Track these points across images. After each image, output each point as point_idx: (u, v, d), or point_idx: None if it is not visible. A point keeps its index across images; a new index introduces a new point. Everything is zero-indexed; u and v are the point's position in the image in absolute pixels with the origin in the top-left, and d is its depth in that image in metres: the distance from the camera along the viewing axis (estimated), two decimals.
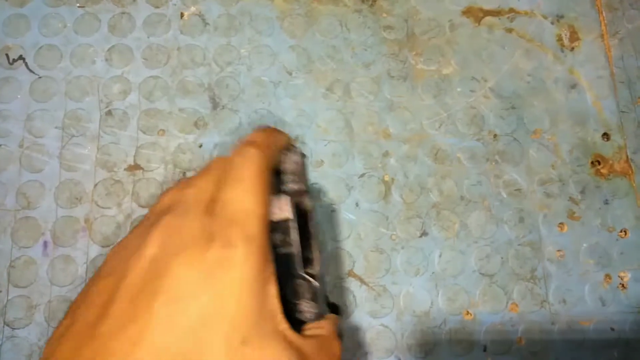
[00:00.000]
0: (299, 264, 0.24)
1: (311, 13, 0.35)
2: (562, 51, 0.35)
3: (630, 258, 0.32)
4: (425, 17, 0.35)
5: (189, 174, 0.32)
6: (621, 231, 0.32)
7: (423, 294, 0.31)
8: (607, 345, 0.31)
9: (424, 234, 0.31)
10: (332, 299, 0.30)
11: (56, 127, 0.32)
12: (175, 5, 0.34)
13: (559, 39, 0.35)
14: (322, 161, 0.32)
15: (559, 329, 0.31)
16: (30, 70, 0.33)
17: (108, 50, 0.33)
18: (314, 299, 0.24)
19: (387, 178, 0.32)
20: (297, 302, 0.24)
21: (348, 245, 0.31)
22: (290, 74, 0.34)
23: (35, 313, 0.29)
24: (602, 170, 0.33)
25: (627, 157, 0.33)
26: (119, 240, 0.30)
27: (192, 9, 0.34)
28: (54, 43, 0.33)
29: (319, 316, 0.24)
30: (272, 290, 0.21)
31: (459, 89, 0.34)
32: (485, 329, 0.30)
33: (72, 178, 0.31)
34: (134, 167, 0.32)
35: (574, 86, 0.34)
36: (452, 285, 0.31)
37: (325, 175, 0.32)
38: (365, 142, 0.33)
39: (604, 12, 0.36)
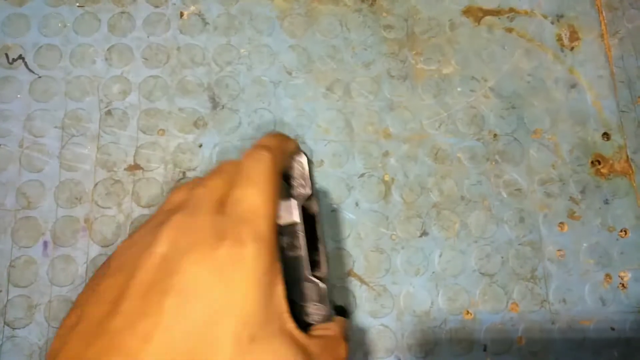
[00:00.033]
0: (306, 267, 0.25)
1: (311, 13, 0.35)
2: (562, 51, 0.35)
3: (630, 258, 0.32)
4: (425, 16, 0.35)
5: (189, 174, 0.32)
6: (621, 231, 0.32)
7: (423, 294, 0.31)
8: (607, 345, 0.31)
9: (424, 233, 0.31)
10: (332, 299, 0.30)
11: (56, 127, 0.32)
12: (174, 4, 0.34)
13: (559, 38, 0.35)
14: (322, 161, 0.32)
15: (559, 329, 0.31)
16: (30, 70, 0.33)
17: (108, 49, 0.33)
18: (322, 301, 0.25)
19: (387, 178, 0.32)
20: (305, 304, 0.25)
21: (348, 245, 0.31)
22: (290, 73, 0.34)
23: (35, 313, 0.29)
24: (602, 170, 0.33)
25: (627, 156, 0.33)
26: (120, 239, 0.30)
27: (192, 8, 0.34)
28: (54, 43, 0.33)
29: (327, 318, 0.25)
30: (279, 289, 0.22)
31: (459, 89, 0.34)
32: (485, 328, 0.30)
33: (72, 178, 0.31)
34: (134, 167, 0.32)
35: (574, 86, 0.34)
36: (453, 285, 0.31)
37: (325, 175, 0.32)
38: (365, 142, 0.33)
39: (603, 12, 0.36)
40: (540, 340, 0.30)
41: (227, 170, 0.24)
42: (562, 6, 0.36)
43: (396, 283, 0.31)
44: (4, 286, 0.29)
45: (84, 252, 0.30)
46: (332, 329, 0.24)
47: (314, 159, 0.32)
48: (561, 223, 0.32)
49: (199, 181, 0.24)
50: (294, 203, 0.25)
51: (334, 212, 0.31)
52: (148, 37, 0.34)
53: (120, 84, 0.33)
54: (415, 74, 0.34)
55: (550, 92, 0.34)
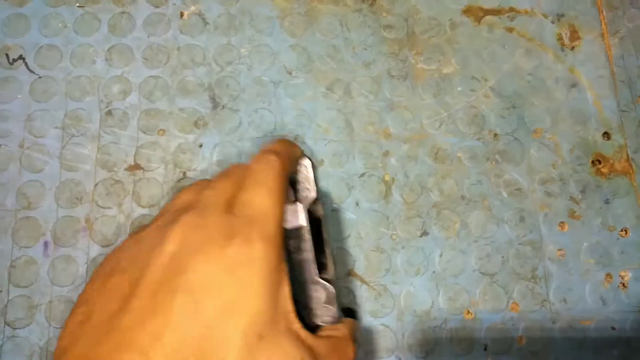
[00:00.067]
0: (314, 269, 0.25)
1: (311, 12, 0.35)
2: (563, 50, 0.35)
3: (630, 257, 0.32)
4: (425, 16, 0.35)
5: (190, 174, 0.32)
6: (622, 230, 0.32)
7: (424, 294, 0.31)
8: (608, 345, 0.31)
9: (425, 233, 0.31)
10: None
11: (56, 127, 0.32)
12: (175, 4, 0.34)
13: (560, 38, 0.35)
14: (322, 161, 0.32)
15: (560, 328, 0.31)
16: (30, 70, 0.33)
17: (108, 50, 0.33)
18: (330, 303, 0.26)
19: (387, 178, 0.32)
20: (314, 306, 0.25)
21: (348, 244, 0.31)
22: (291, 73, 0.34)
23: (36, 313, 0.29)
24: (602, 170, 0.33)
25: (627, 156, 0.33)
26: (120, 239, 0.30)
27: (192, 8, 0.34)
28: (54, 43, 0.33)
29: (336, 320, 0.25)
30: (286, 290, 0.22)
31: (459, 89, 0.34)
32: (485, 328, 0.30)
33: (73, 178, 0.31)
34: (134, 167, 0.32)
35: (574, 85, 0.34)
36: (453, 284, 0.31)
37: (325, 174, 0.32)
38: (365, 142, 0.33)
39: (604, 11, 0.36)
40: (541, 339, 0.30)
41: (236, 172, 0.24)
42: (563, 5, 0.36)
43: (396, 283, 0.31)
44: (5, 286, 0.29)
45: (85, 252, 0.30)
46: (340, 330, 0.25)
47: (314, 159, 0.32)
48: (561, 223, 0.32)
49: (206, 183, 0.25)
50: (300, 207, 0.26)
51: (335, 211, 0.31)
52: (148, 37, 0.34)
53: (120, 84, 0.33)
54: (416, 73, 0.34)
55: (551, 92, 0.34)
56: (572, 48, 0.35)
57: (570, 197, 0.33)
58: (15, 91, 0.32)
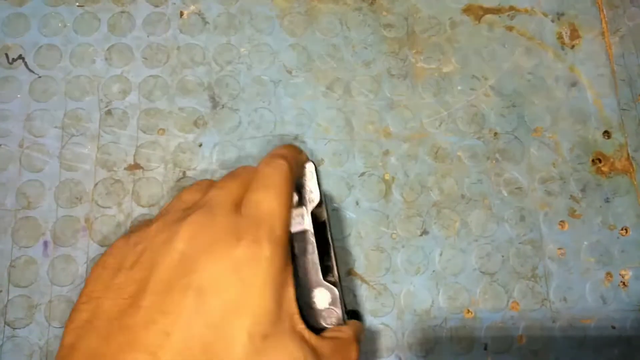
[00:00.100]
0: (318, 272, 0.26)
1: (311, 11, 0.35)
2: (563, 49, 0.35)
3: (631, 256, 0.32)
4: (425, 15, 0.35)
5: (189, 173, 0.32)
6: (622, 229, 0.32)
7: (424, 293, 0.31)
8: (608, 344, 0.30)
9: (425, 232, 0.31)
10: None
11: (56, 127, 0.32)
12: (174, 4, 0.34)
13: (560, 36, 0.35)
14: (322, 160, 0.32)
15: (560, 327, 0.31)
16: (30, 70, 0.33)
17: (108, 49, 0.33)
18: (335, 305, 0.26)
19: (387, 177, 0.32)
20: (319, 309, 0.26)
21: (348, 244, 0.31)
22: (290, 72, 0.33)
23: (35, 313, 0.29)
24: (603, 168, 0.33)
25: (628, 155, 0.33)
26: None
27: (192, 7, 0.34)
28: (54, 42, 0.33)
29: (341, 322, 0.26)
30: (291, 291, 0.23)
31: (459, 87, 0.34)
32: (486, 327, 0.30)
33: (72, 178, 0.31)
34: (134, 167, 0.32)
35: (574, 84, 0.34)
36: (453, 283, 0.31)
37: (325, 174, 0.32)
38: (365, 141, 0.33)
39: (604, 10, 0.36)
40: (541, 338, 0.30)
41: (243, 174, 0.25)
42: (563, 4, 0.36)
43: (396, 282, 0.31)
44: (5, 286, 0.29)
45: (84, 252, 0.30)
46: (344, 331, 0.25)
47: (314, 158, 0.32)
48: (562, 221, 0.32)
49: (209, 183, 0.26)
50: (304, 211, 0.27)
51: (335, 211, 0.31)
52: (148, 36, 0.34)
53: (120, 83, 0.33)
54: (416, 72, 0.34)
55: (551, 91, 0.34)
56: (572, 47, 0.35)
57: (571, 195, 0.33)
58: (14, 91, 0.32)
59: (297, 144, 0.32)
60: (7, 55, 0.33)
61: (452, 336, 0.30)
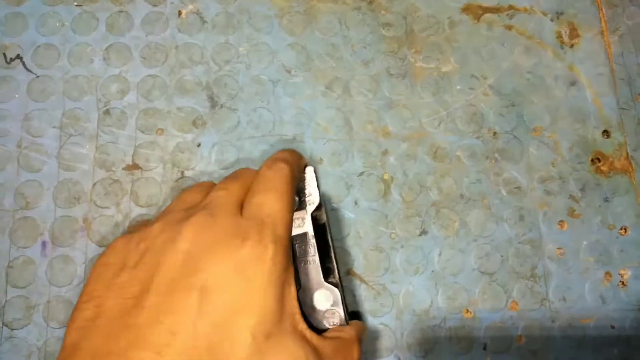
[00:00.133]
0: (320, 273, 0.27)
1: (310, 11, 0.35)
2: (562, 48, 0.35)
3: (630, 256, 0.32)
4: (424, 14, 0.35)
5: (188, 173, 0.31)
6: (621, 229, 0.32)
7: (423, 293, 0.31)
8: (607, 343, 0.30)
9: (424, 232, 0.31)
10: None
11: (54, 127, 0.32)
12: (173, 3, 0.34)
13: (559, 35, 0.35)
14: (321, 160, 0.32)
15: (559, 327, 0.31)
16: (28, 70, 0.33)
17: (106, 49, 0.33)
18: (336, 306, 0.27)
19: (386, 176, 0.32)
20: (321, 310, 0.26)
21: (347, 244, 0.31)
22: (289, 72, 0.33)
23: (34, 313, 0.29)
24: (602, 168, 0.33)
25: (627, 154, 0.33)
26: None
27: (190, 7, 0.34)
28: (52, 42, 0.33)
29: (343, 323, 0.26)
30: (292, 291, 0.23)
31: (458, 87, 0.34)
32: (485, 327, 0.30)
33: (71, 178, 0.31)
34: (133, 167, 0.31)
35: (573, 83, 0.34)
36: (452, 283, 0.31)
37: (324, 173, 0.32)
38: (364, 141, 0.32)
39: (603, 9, 0.36)
40: (540, 338, 0.30)
41: (243, 176, 0.25)
42: (562, 3, 0.36)
43: (395, 282, 0.31)
44: (3, 287, 0.29)
45: (83, 252, 0.30)
46: (346, 331, 0.25)
47: (313, 158, 0.32)
48: (561, 221, 0.32)
49: (210, 184, 0.26)
50: (304, 214, 0.27)
51: (333, 211, 0.31)
52: (146, 36, 0.33)
53: (118, 83, 0.33)
54: (415, 72, 0.34)
55: (550, 90, 0.34)
56: (572, 46, 0.35)
57: (570, 195, 0.32)
58: (12, 91, 0.32)
59: (296, 143, 0.32)
60: (4, 54, 0.33)
61: (451, 336, 0.30)
